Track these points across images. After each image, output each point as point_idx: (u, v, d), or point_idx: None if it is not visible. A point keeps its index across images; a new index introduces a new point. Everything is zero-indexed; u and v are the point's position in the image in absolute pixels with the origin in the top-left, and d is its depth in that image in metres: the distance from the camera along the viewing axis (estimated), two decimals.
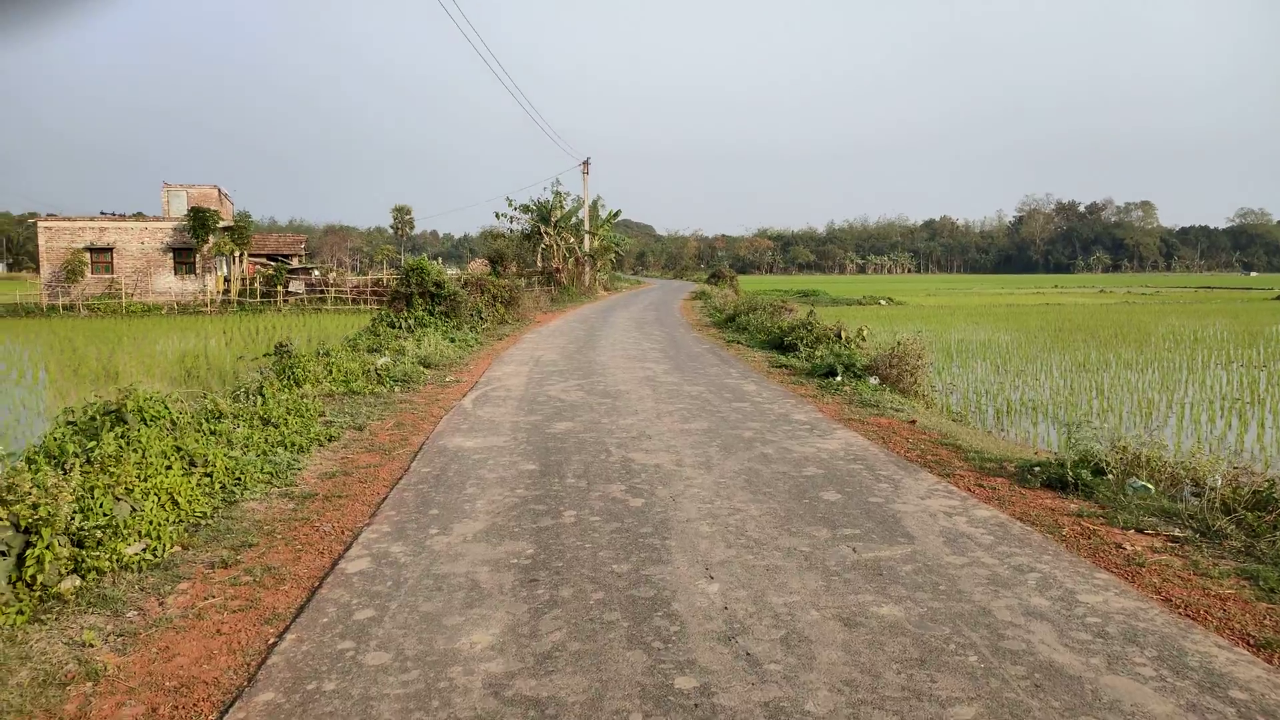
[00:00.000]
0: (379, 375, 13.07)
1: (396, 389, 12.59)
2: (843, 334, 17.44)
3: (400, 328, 19.74)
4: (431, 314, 20.81)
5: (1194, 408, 14.69)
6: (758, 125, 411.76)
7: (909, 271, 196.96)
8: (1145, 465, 7.11)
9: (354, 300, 47.67)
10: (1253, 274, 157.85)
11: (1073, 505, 6.37)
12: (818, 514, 6.08)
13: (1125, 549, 5.33)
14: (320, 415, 10.18)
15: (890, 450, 8.35)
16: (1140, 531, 5.67)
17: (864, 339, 16.90)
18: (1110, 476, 6.93)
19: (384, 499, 6.70)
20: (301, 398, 10.75)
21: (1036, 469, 7.29)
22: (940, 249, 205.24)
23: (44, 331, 30.59)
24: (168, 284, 46.28)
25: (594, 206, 54.73)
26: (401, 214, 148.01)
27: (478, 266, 54.58)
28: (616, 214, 58.33)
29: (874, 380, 13.23)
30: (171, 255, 46.29)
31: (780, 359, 16.37)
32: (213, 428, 8.40)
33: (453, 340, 19.08)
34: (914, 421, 9.86)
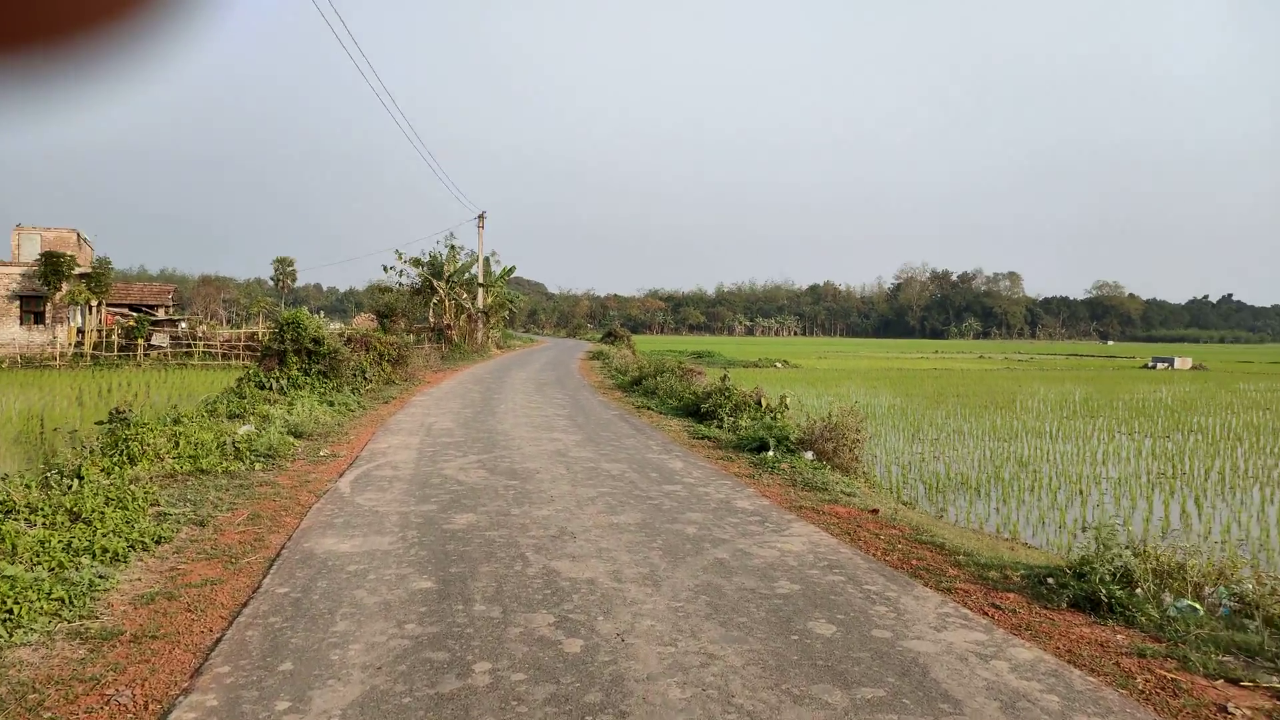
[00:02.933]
0: (237, 449, 10.96)
1: (258, 466, 10.51)
2: (763, 401, 16.24)
3: (271, 389, 17.46)
4: (308, 374, 18.58)
5: (1124, 483, 14.04)
6: (648, 189, 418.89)
7: (795, 334, 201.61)
8: (1175, 574, 5.93)
9: (225, 355, 44.09)
10: (1110, 343, 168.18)
11: (1121, 638, 5.06)
12: (817, 660, 4.56)
13: (1232, 714, 4.02)
14: (153, 505, 8.09)
15: (865, 552, 6.95)
16: (1234, 683, 4.38)
17: (787, 407, 15.71)
18: (1140, 591, 5.71)
19: (218, 641, 4.81)
20: (131, 481, 8.62)
21: (1050, 580, 6.02)
22: (824, 313, 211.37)
23: None
24: (12, 334, 41.74)
25: (488, 262, 52.93)
26: (283, 265, 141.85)
27: (363, 322, 51.73)
28: (511, 270, 56.66)
29: (809, 455, 11.95)
30: (18, 303, 41.86)
31: (700, 429, 14.97)
32: None
33: (331, 404, 16.93)
34: (876, 511, 8.53)
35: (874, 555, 6.86)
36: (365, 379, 21.03)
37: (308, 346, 18.77)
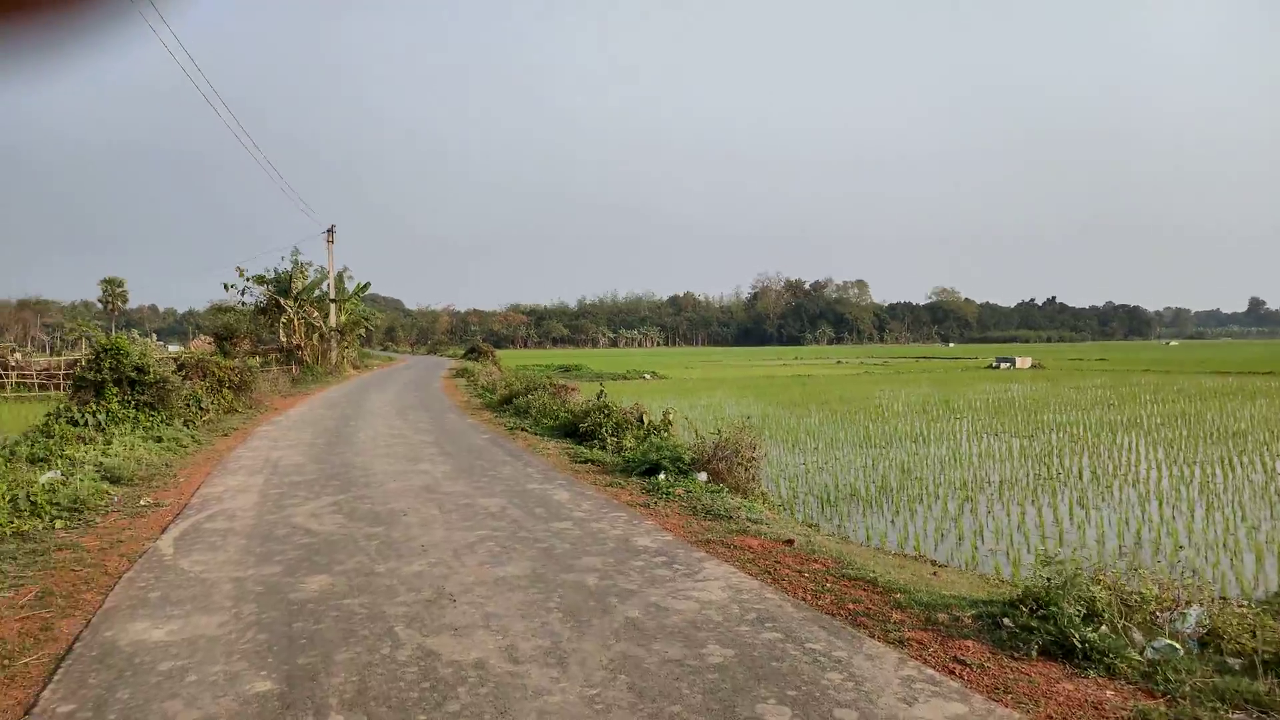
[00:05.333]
0: (33, 503, 9.08)
1: (59, 524, 8.70)
2: (644, 418, 15.35)
3: (86, 425, 15.19)
4: (131, 406, 16.34)
5: (1008, 487, 13.96)
6: (504, 201, 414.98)
7: (658, 344, 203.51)
8: (1137, 606, 5.35)
9: (42, 386, 39.63)
10: (951, 344, 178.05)
11: (1111, 694, 4.35)
12: None
13: None
14: None
15: (793, 596, 6.08)
16: None
17: (670, 423, 14.88)
18: (1105, 628, 5.08)
19: None
20: None
21: (1006, 621, 5.31)
22: (685, 323, 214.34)
23: None
24: None
25: (340, 277, 50.08)
26: (112, 286, 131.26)
27: (202, 345, 47.89)
28: (365, 286, 53.96)
29: (703, 477, 11.12)
30: None
31: (582, 451, 13.91)
32: None
33: (159, 440, 14.86)
34: (791, 541, 7.70)
35: (804, 600, 6.00)
36: (201, 409, 18.84)
37: (130, 375, 16.53)
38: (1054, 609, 5.10)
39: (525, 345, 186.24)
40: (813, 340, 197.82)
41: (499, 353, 74.93)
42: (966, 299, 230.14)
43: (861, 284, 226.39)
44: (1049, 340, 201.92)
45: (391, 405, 24.91)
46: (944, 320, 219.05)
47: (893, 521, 11.69)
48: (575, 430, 15.92)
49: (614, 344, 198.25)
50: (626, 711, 4.12)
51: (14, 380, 39.68)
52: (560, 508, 9.35)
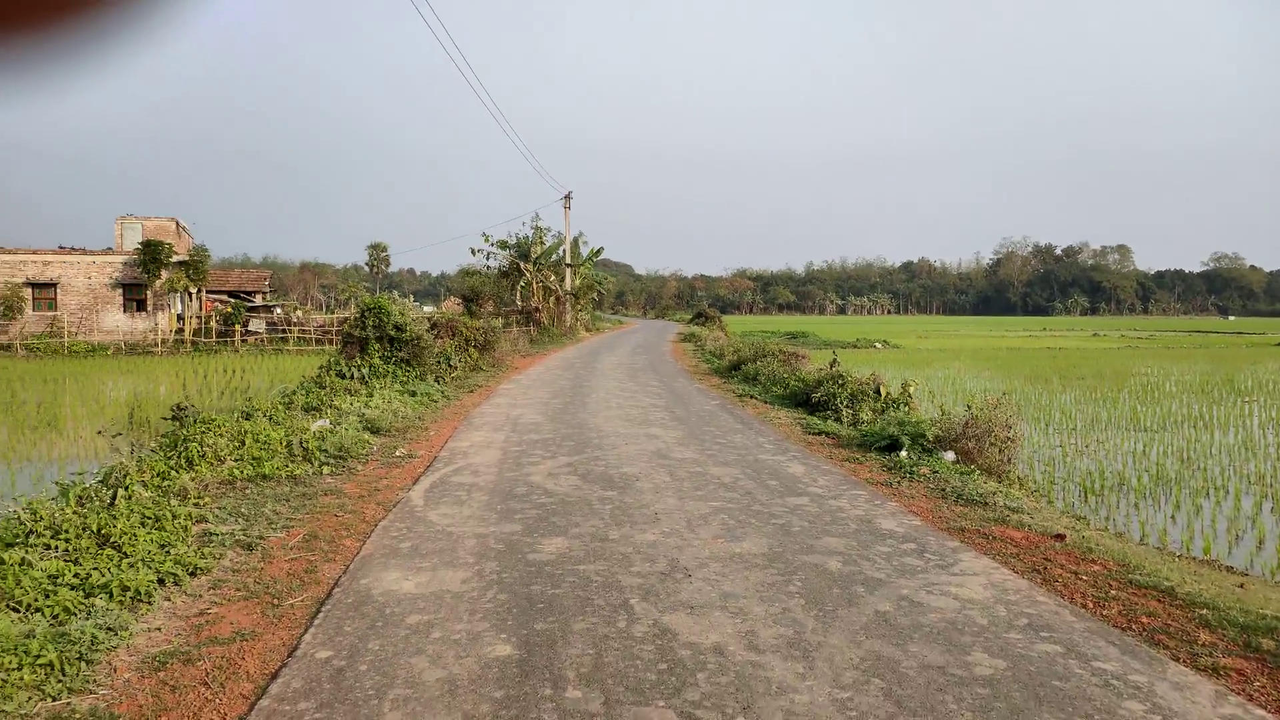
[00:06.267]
0: (305, 449, 9.90)
1: (326, 470, 9.42)
2: (881, 390, 14.49)
3: (352, 378, 16.57)
4: (390, 362, 17.64)
5: None
6: (739, 141, 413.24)
7: (888, 312, 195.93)
8: None
9: (318, 341, 44.25)
10: (1230, 318, 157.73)
11: None
12: None
13: None
14: (199, 522, 7.02)
15: (1070, 601, 5.31)
16: None
17: (910, 397, 13.94)
18: None
19: None
20: (178, 493, 7.58)
21: None
22: (919, 290, 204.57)
23: None
24: (116, 322, 42.73)
25: (575, 243, 51.87)
26: (377, 251, 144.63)
27: (452, 306, 51.45)
28: (599, 251, 55.53)
29: (949, 457, 10.25)
30: (121, 291, 42.79)
31: (814, 422, 13.35)
32: None
33: (414, 395, 15.92)
34: (1061, 537, 6.82)
35: (1085, 607, 5.22)
36: (450, 366, 20.06)
37: (390, 333, 17.82)
38: None
39: (750, 311, 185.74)
40: (1062, 310, 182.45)
41: (725, 318, 74.99)
42: (1252, 266, 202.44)
43: (1123, 249, 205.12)
44: None
45: (622, 367, 25.41)
46: (1222, 290, 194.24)
47: (1173, 518, 10.28)
48: (807, 400, 15.35)
49: (841, 311, 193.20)
50: None
51: (295, 335, 44.58)
52: (795, 481, 8.91)
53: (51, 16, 0.78)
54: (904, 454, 10.27)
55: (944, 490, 8.55)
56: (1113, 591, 5.53)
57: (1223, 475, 12.60)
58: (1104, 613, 5.13)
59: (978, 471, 9.61)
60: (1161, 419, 18.60)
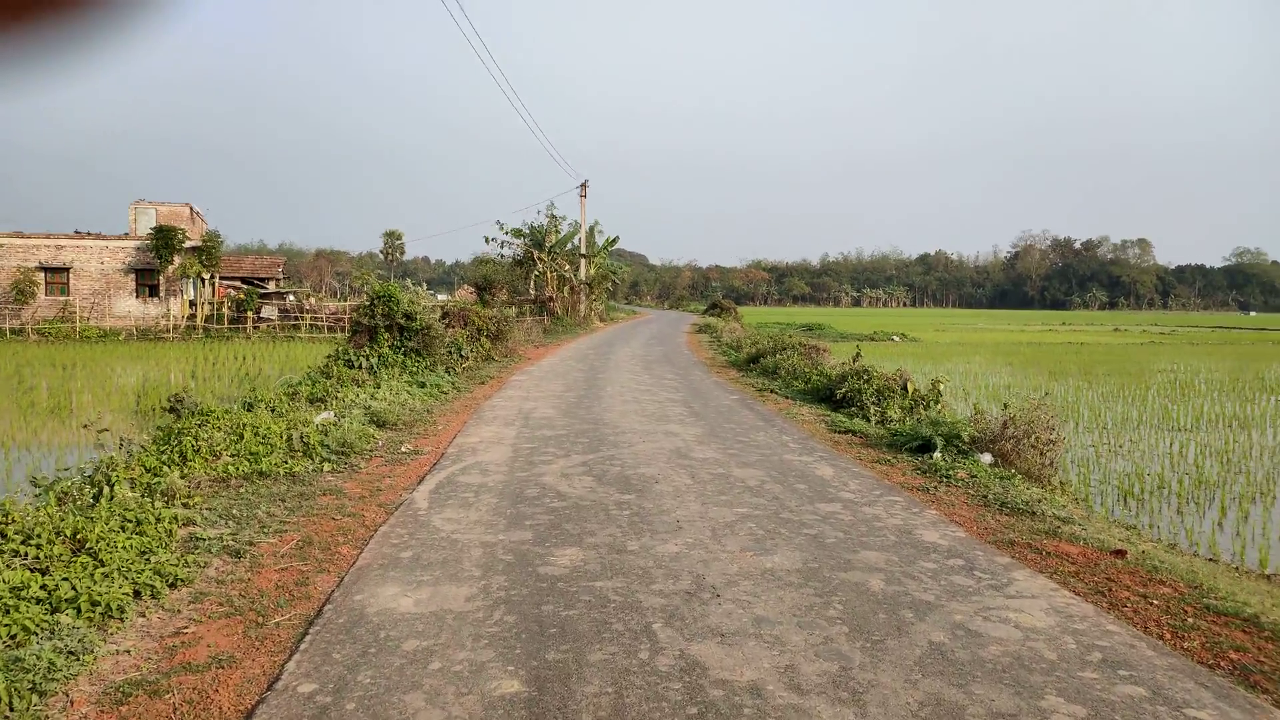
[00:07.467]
0: (305, 443, 9.40)
1: (327, 467, 8.91)
2: (909, 387, 13.89)
3: (360, 368, 16.09)
4: (399, 352, 17.15)
5: None
6: (756, 143, 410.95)
7: (904, 305, 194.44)
8: None
9: (330, 328, 43.89)
10: (1252, 314, 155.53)
11: None
12: None
13: None
14: (186, 525, 6.52)
15: (1144, 632, 4.73)
16: None
17: (940, 394, 13.34)
18: None
19: None
20: (164, 493, 7.09)
21: None
22: (935, 283, 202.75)
23: None
24: (128, 307, 42.49)
25: (591, 232, 51.28)
26: (392, 238, 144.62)
27: (465, 294, 51.01)
28: (614, 241, 54.94)
29: (986, 459, 9.66)
30: (134, 276, 42.53)
31: (838, 419, 12.76)
32: None
33: (423, 386, 15.42)
34: (1122, 553, 6.23)
35: (1163, 639, 4.64)
36: (461, 356, 19.56)
37: (399, 322, 17.33)
38: None
39: (765, 302, 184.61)
40: (1081, 305, 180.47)
41: (740, 309, 74.24)
42: (1274, 261, 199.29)
43: (1143, 243, 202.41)
44: None
45: (637, 359, 24.85)
46: (1244, 286, 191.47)
47: (1219, 524, 9.68)
48: (830, 395, 14.76)
49: (857, 303, 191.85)
50: None
51: (308, 322, 44.23)
52: (825, 486, 8.34)
53: (51, 16, 0.80)
54: (938, 456, 9.68)
55: (985, 497, 7.97)
56: (1189, 619, 4.95)
57: (1267, 479, 11.98)
58: (1185, 646, 4.56)
59: (1017, 476, 9.02)
60: (1194, 417, 17.91)
